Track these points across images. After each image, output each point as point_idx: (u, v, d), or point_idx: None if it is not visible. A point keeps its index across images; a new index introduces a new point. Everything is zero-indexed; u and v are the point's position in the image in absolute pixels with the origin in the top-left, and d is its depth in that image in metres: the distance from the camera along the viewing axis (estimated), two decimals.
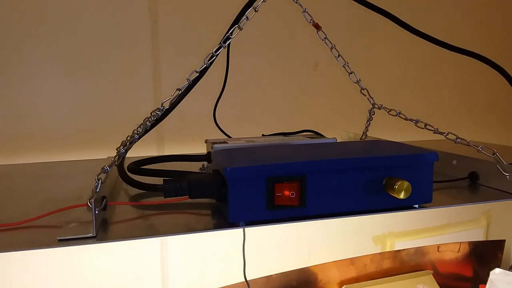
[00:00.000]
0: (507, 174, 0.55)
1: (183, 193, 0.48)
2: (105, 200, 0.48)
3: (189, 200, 0.52)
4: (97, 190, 0.45)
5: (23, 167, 0.84)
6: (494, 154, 0.56)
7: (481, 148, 0.57)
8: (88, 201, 0.42)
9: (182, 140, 0.98)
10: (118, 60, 0.93)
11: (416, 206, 0.49)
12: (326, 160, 0.46)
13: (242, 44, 0.95)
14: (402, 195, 0.45)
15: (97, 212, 0.43)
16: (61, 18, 0.89)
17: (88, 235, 0.42)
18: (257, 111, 1.04)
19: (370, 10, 0.65)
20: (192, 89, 0.61)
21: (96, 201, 0.43)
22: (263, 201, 0.44)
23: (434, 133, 0.60)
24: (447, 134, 0.59)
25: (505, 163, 0.56)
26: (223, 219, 0.47)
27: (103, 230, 0.45)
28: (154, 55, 0.95)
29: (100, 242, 0.42)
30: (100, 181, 0.46)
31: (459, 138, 0.58)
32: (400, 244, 1.10)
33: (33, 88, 0.89)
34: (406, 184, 0.45)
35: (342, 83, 1.01)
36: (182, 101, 0.62)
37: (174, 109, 0.62)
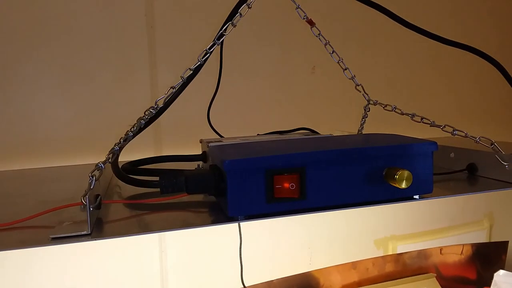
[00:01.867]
0: (506, 163, 0.54)
1: (180, 189, 0.46)
2: (99, 197, 0.46)
3: (187, 198, 0.51)
4: (91, 187, 0.44)
5: (18, 172, 0.83)
6: (492, 144, 0.56)
7: (478, 139, 0.56)
8: (82, 198, 0.41)
9: (180, 143, 0.97)
10: (116, 66, 0.93)
11: (417, 197, 0.48)
12: (325, 151, 0.45)
13: (238, 45, 0.96)
14: (403, 185, 0.44)
15: (91, 209, 0.42)
16: (58, 24, 0.88)
17: (82, 233, 0.41)
18: (251, 112, 1.04)
19: (366, 6, 0.65)
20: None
21: (90, 198, 0.42)
22: (262, 193, 0.43)
23: (431, 126, 0.60)
24: (444, 126, 0.59)
25: (503, 152, 0.55)
26: (222, 215, 0.46)
27: (98, 229, 0.43)
28: (151, 60, 0.95)
29: (94, 239, 0.41)
30: (94, 178, 0.45)
31: (456, 130, 0.58)
32: (402, 247, 1.09)
33: (29, 95, 0.88)
34: (407, 173, 0.44)
35: (339, 85, 1.01)
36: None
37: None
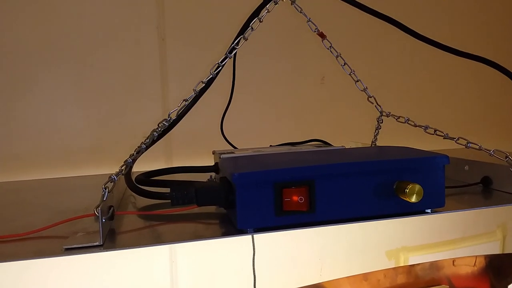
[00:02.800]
0: None
1: (190, 201, 0.47)
2: (112, 209, 0.47)
3: (198, 210, 0.51)
4: (104, 199, 0.45)
5: (33, 183, 0.85)
6: (506, 157, 0.55)
7: (493, 152, 0.56)
8: (95, 209, 0.42)
9: (190, 154, 0.98)
10: (127, 78, 0.95)
11: (429, 211, 0.48)
12: (335, 164, 0.45)
13: (249, 57, 0.97)
14: (413, 199, 0.44)
15: (104, 220, 0.42)
16: (71, 37, 0.91)
17: (95, 244, 0.41)
18: (264, 123, 1.04)
19: (376, 18, 0.65)
20: (201, 103, 0.61)
21: (103, 210, 0.43)
22: (271, 207, 0.43)
23: (444, 138, 0.59)
24: (458, 139, 0.58)
25: None
26: (232, 227, 0.47)
27: (110, 240, 0.44)
28: (162, 72, 0.96)
29: (106, 251, 0.41)
30: (107, 190, 0.46)
31: (470, 142, 0.57)
32: (414, 258, 1.08)
33: (45, 107, 0.91)
34: (417, 187, 0.44)
35: (349, 95, 1.01)
36: (191, 115, 0.62)
37: (183, 123, 0.62)
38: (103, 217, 0.42)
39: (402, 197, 0.45)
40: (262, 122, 1.04)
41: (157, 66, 0.95)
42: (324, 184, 0.44)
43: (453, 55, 0.67)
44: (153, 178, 0.62)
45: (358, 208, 0.46)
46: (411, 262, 1.07)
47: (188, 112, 0.62)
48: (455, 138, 0.59)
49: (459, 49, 0.66)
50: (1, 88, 0.88)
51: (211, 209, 0.54)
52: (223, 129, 0.79)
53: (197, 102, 0.61)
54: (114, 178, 0.49)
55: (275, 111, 1.05)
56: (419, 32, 0.66)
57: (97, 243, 0.41)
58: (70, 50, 0.90)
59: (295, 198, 0.43)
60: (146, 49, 0.95)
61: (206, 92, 0.61)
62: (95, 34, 0.92)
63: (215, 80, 0.60)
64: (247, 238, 0.86)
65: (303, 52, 1.05)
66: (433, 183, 0.47)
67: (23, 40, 0.88)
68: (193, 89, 0.58)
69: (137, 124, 0.94)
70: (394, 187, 0.46)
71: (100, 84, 0.93)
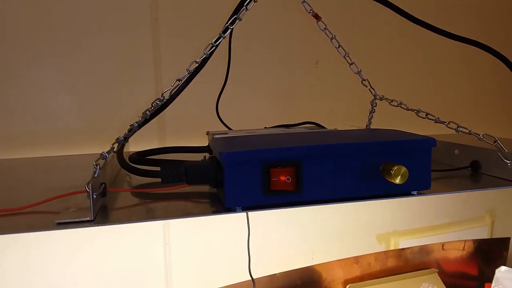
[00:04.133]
0: (508, 161, 0.55)
1: (180, 179, 0.48)
2: (103, 185, 0.48)
3: (189, 189, 0.53)
4: (95, 176, 0.45)
5: (28, 161, 0.86)
6: (495, 142, 0.56)
7: (482, 136, 0.56)
8: (86, 185, 0.43)
9: (183, 135, 0.98)
10: (120, 57, 0.94)
11: (415, 192, 0.49)
12: (322, 145, 0.46)
13: (244, 40, 0.96)
14: (398, 180, 0.45)
15: (95, 196, 0.43)
16: (61, 20, 0.90)
17: (85, 219, 0.42)
18: (259, 106, 1.05)
19: (370, 0, 0.65)
20: (195, 84, 0.61)
21: (94, 186, 0.43)
22: (259, 186, 0.44)
23: (435, 122, 0.60)
24: (448, 123, 0.59)
25: (506, 150, 0.55)
26: (221, 206, 0.48)
27: (102, 216, 0.45)
28: (155, 53, 0.96)
29: (97, 225, 0.42)
30: (98, 166, 0.46)
31: (460, 126, 0.58)
32: (404, 242, 1.09)
33: (38, 88, 0.91)
34: (403, 169, 0.45)
35: (344, 79, 1.01)
36: (185, 96, 0.62)
37: (177, 104, 0.63)
38: (94, 193, 0.43)
39: (387, 179, 0.46)
40: (257, 105, 1.04)
41: (149, 46, 0.95)
42: (311, 164, 0.45)
43: (446, 39, 0.67)
44: (146, 157, 0.63)
45: (345, 189, 0.46)
46: (402, 246, 1.09)
47: (183, 94, 0.62)
48: (445, 122, 0.60)
49: (452, 32, 0.66)
50: None
51: (203, 188, 0.55)
52: (218, 111, 0.80)
53: (192, 84, 0.62)
54: (106, 156, 0.49)
55: (271, 94, 1.05)
56: (413, 15, 0.66)
57: (88, 218, 0.42)
58: (62, 32, 0.90)
59: (282, 178, 0.44)
60: (139, 29, 0.94)
61: (200, 74, 0.62)
62: (87, 15, 0.91)
63: (209, 62, 0.60)
64: (241, 220, 0.87)
65: (298, 35, 1.04)
66: (419, 165, 0.48)
67: (14, 23, 0.88)
68: (187, 69, 0.59)
69: (130, 105, 0.94)
70: (380, 168, 0.47)
71: (92, 65, 0.93)
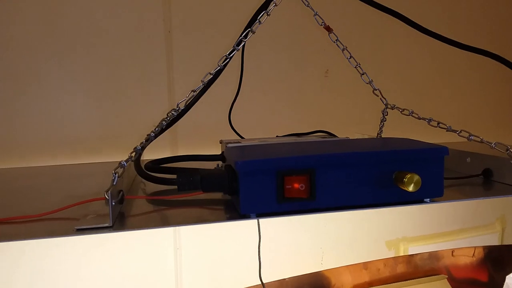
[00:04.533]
0: None
1: (196, 187, 0.49)
2: (121, 193, 0.49)
3: (204, 196, 0.54)
4: (114, 183, 0.47)
5: (45, 169, 0.87)
6: (507, 150, 0.56)
7: (494, 144, 0.57)
8: (105, 193, 0.44)
9: (196, 145, 1.00)
10: (134, 68, 0.96)
11: (427, 200, 0.49)
12: (335, 154, 0.47)
13: (256, 51, 0.98)
14: (411, 188, 0.45)
15: (113, 203, 0.45)
16: (81, 32, 0.93)
17: (104, 225, 0.43)
18: (271, 115, 1.06)
19: (381, 12, 0.66)
20: (206, 93, 0.63)
21: (113, 193, 0.45)
22: (273, 193, 0.45)
23: (447, 131, 0.60)
24: (460, 131, 0.60)
25: None
26: (236, 213, 0.49)
27: (119, 222, 0.46)
28: (168, 64, 0.98)
29: (116, 231, 0.43)
30: (117, 174, 0.48)
31: (472, 135, 0.58)
32: (414, 248, 1.09)
33: (59, 98, 0.94)
34: (416, 177, 0.45)
35: (353, 88, 1.02)
36: (198, 106, 0.64)
37: (189, 113, 0.64)
38: (113, 200, 0.44)
39: (400, 187, 0.47)
40: (269, 114, 1.06)
41: (163, 58, 0.97)
42: (324, 173, 0.46)
43: (456, 49, 0.68)
44: (161, 166, 0.64)
45: (357, 196, 0.47)
46: (411, 252, 1.09)
47: (196, 104, 0.63)
48: (457, 131, 0.60)
49: (462, 43, 0.67)
50: (15, 80, 0.91)
51: (217, 195, 0.56)
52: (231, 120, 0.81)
53: (204, 94, 0.63)
54: (124, 164, 0.51)
55: (282, 103, 1.06)
56: (423, 26, 0.67)
57: (106, 225, 0.43)
58: (78, 43, 0.92)
59: (296, 185, 0.45)
60: (153, 41, 0.96)
61: (212, 85, 0.63)
62: (103, 27, 0.94)
63: (222, 73, 0.62)
64: (252, 226, 0.88)
65: (308, 45, 1.06)
66: (432, 173, 0.48)
67: (28, 31, 0.90)
68: (201, 80, 0.60)
69: (143, 115, 0.96)
70: (393, 177, 0.47)
71: (108, 76, 0.95)
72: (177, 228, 0.94)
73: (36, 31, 0.90)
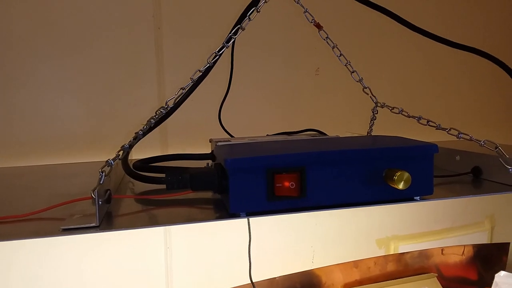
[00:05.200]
0: (509, 167, 0.55)
1: (185, 186, 0.48)
2: (108, 192, 0.48)
3: (193, 195, 0.53)
4: (101, 182, 0.46)
5: (34, 168, 0.86)
6: (496, 148, 0.56)
7: (483, 142, 0.57)
8: (91, 192, 0.43)
9: (186, 143, 0.99)
10: (123, 65, 0.95)
11: (417, 198, 0.49)
12: (325, 152, 0.46)
13: (246, 49, 0.97)
14: (401, 186, 0.45)
15: (100, 203, 0.44)
16: (67, 27, 0.91)
17: (91, 225, 0.43)
18: (261, 113, 1.05)
19: (372, 9, 0.66)
20: (196, 91, 0.62)
21: (99, 193, 0.44)
22: (263, 192, 0.45)
23: (436, 128, 0.60)
24: (449, 129, 0.60)
25: (507, 156, 0.56)
26: (225, 212, 0.48)
27: (107, 222, 0.45)
28: (158, 61, 0.97)
29: (102, 231, 0.43)
30: (103, 173, 0.47)
31: (461, 133, 0.58)
32: (404, 247, 1.10)
33: (43, 95, 0.91)
34: (406, 174, 0.45)
35: (344, 86, 1.02)
36: (188, 104, 0.63)
37: (178, 111, 0.63)
38: (100, 200, 0.44)
39: (390, 184, 0.47)
40: (259, 112, 1.05)
41: (153, 55, 0.96)
42: (314, 170, 0.45)
43: (447, 48, 0.68)
44: (150, 165, 0.64)
45: (348, 194, 0.47)
46: (401, 250, 1.10)
47: (185, 102, 0.63)
48: (447, 129, 0.60)
49: (453, 41, 0.67)
50: (1, 80, 0.89)
51: (207, 195, 0.55)
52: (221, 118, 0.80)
53: (193, 92, 0.62)
54: (111, 163, 0.50)
55: (272, 102, 1.06)
56: (413, 24, 0.67)
57: (93, 224, 0.43)
58: (66, 39, 0.91)
59: (286, 183, 0.45)
60: (143, 38, 0.95)
61: (202, 83, 0.62)
62: (92, 24, 0.92)
63: (212, 70, 0.61)
64: (242, 225, 0.88)
65: (298, 43, 1.05)
66: (422, 171, 0.48)
67: (19, 28, 0.89)
68: (190, 78, 0.59)
69: (133, 113, 0.95)
70: (383, 174, 0.47)
71: (96, 73, 0.93)
72: (168, 227, 0.94)
73: (23, 29, 0.89)
